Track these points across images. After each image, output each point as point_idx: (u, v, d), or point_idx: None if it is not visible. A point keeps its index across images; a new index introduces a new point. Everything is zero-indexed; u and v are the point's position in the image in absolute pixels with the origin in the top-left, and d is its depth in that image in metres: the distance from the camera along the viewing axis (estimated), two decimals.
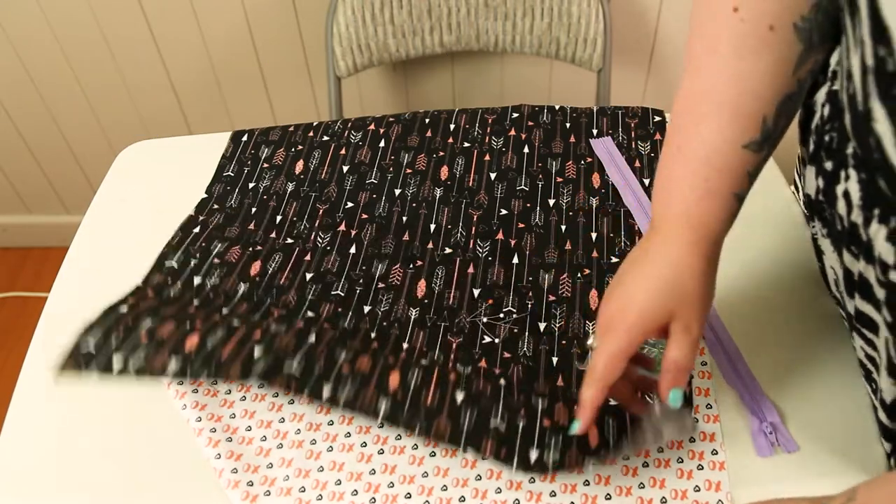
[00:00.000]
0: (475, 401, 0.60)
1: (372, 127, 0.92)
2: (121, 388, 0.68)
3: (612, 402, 0.63)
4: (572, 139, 0.88)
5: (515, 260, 0.76)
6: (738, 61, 0.52)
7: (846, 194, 0.52)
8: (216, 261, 0.76)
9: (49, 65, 1.46)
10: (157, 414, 0.66)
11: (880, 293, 0.50)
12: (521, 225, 0.79)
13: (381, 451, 0.63)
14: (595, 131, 0.89)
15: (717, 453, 0.61)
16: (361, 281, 0.74)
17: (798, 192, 0.76)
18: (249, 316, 0.68)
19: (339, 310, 0.71)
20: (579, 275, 0.74)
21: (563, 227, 0.78)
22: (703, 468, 0.60)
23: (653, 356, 0.65)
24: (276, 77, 1.49)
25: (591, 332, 0.56)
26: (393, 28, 1.24)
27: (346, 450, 0.63)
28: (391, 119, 0.93)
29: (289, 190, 0.85)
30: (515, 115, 0.92)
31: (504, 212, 0.80)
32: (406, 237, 0.79)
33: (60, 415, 0.68)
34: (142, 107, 1.54)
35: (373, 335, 0.68)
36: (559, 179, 0.84)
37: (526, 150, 0.87)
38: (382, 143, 0.90)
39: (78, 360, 0.62)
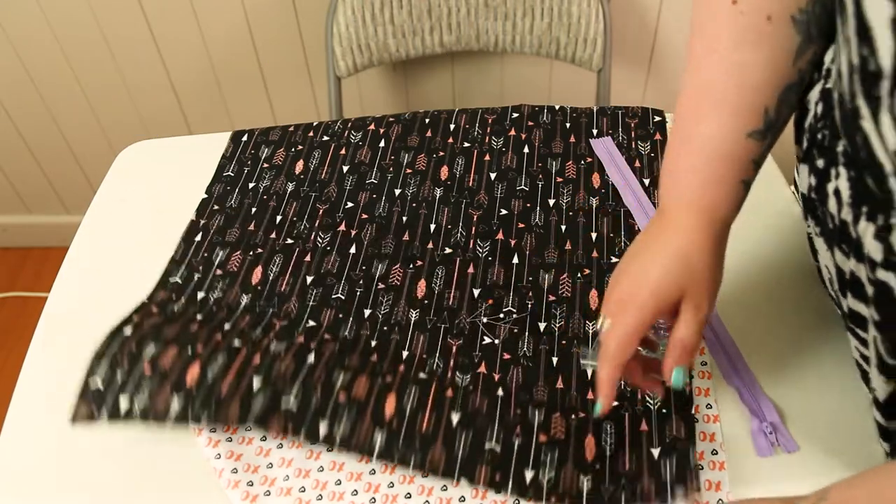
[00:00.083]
0: (471, 421, 0.61)
1: (372, 127, 0.92)
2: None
3: (613, 403, 0.63)
4: (572, 139, 0.88)
5: (515, 260, 0.76)
6: (737, 54, 0.53)
7: (837, 192, 0.52)
8: (218, 272, 0.76)
9: (49, 65, 1.46)
10: None
11: (870, 291, 0.50)
12: (521, 225, 0.79)
13: None
14: (595, 131, 0.89)
15: (717, 453, 0.61)
16: (361, 282, 0.74)
17: (797, 191, 0.76)
18: (251, 331, 0.68)
19: (340, 315, 0.71)
20: (579, 275, 0.74)
21: (563, 227, 0.78)
22: (703, 468, 0.60)
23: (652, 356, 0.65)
24: (276, 77, 1.49)
25: (598, 320, 0.56)
26: (393, 28, 1.24)
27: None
28: (391, 119, 0.93)
29: (289, 190, 0.85)
30: (515, 115, 0.92)
31: (504, 212, 0.80)
32: (406, 237, 0.79)
33: (60, 414, 0.68)
34: (142, 107, 1.54)
35: (373, 343, 0.68)
36: (559, 179, 0.84)
37: (526, 150, 0.87)
38: (382, 143, 0.90)
39: (88, 399, 0.63)
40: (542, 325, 0.70)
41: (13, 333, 1.71)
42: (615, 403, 0.63)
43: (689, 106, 0.57)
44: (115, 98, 1.52)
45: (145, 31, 1.40)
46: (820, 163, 0.54)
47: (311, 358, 0.65)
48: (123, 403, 0.62)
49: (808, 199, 0.58)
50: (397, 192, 0.84)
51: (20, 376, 0.71)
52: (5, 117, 1.57)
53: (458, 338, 0.69)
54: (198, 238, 0.80)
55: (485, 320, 0.70)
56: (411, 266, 0.76)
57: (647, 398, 0.64)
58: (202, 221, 0.82)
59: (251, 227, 0.81)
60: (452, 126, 0.91)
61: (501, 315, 0.71)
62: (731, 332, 0.69)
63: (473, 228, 0.79)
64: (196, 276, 0.76)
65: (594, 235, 0.78)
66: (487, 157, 0.87)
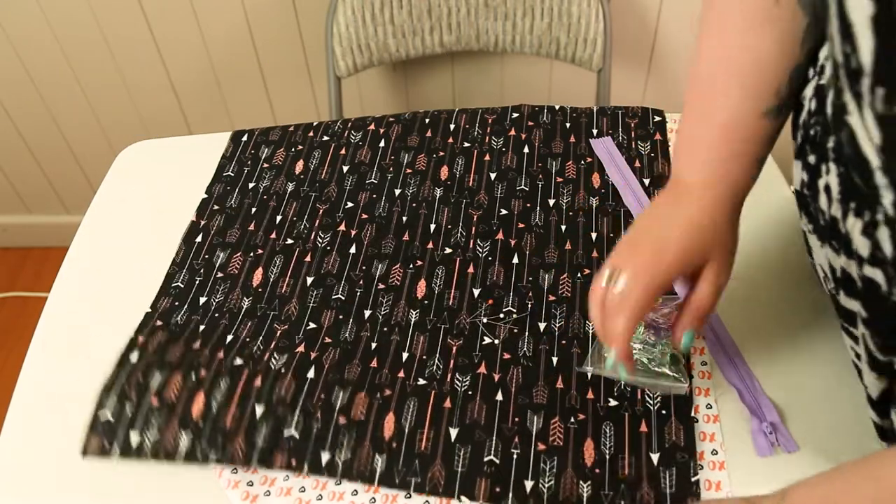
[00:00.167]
0: (469, 434, 0.62)
1: (372, 127, 0.92)
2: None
3: (613, 403, 0.63)
4: (572, 139, 0.88)
5: (515, 260, 0.76)
6: (749, 34, 0.55)
7: (827, 188, 0.52)
8: (219, 275, 0.76)
9: (49, 65, 1.46)
10: None
11: (859, 287, 0.51)
12: (521, 225, 0.79)
13: None
14: (595, 131, 0.89)
15: (717, 453, 0.61)
16: (361, 282, 0.74)
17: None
18: (253, 343, 0.69)
19: (340, 317, 0.71)
20: (579, 275, 0.74)
21: (563, 227, 0.78)
22: (703, 468, 0.60)
23: (652, 355, 0.65)
24: (276, 77, 1.49)
25: (615, 278, 0.56)
26: (393, 28, 1.24)
27: None
28: (391, 119, 0.93)
29: (289, 190, 0.85)
30: (515, 115, 0.92)
31: (504, 212, 0.80)
32: (406, 237, 0.79)
33: (60, 414, 0.68)
34: (142, 107, 1.54)
35: (373, 345, 0.68)
36: (559, 179, 0.84)
37: (526, 150, 0.87)
38: (382, 143, 0.90)
39: (99, 432, 0.64)
40: (542, 325, 0.70)
41: (13, 333, 1.71)
42: (614, 403, 0.63)
43: (705, 82, 0.58)
44: (115, 98, 1.52)
45: (145, 31, 1.40)
46: (812, 159, 0.55)
47: (312, 373, 0.66)
48: (134, 439, 0.63)
49: (801, 196, 0.58)
50: (397, 192, 0.84)
51: (20, 376, 0.71)
52: (5, 117, 1.57)
53: (458, 338, 0.69)
54: (198, 239, 0.80)
55: (485, 320, 0.70)
56: (411, 266, 0.76)
57: (647, 398, 0.64)
58: (202, 222, 0.82)
59: (251, 228, 0.81)
60: (452, 126, 0.91)
61: (501, 315, 0.71)
62: (731, 332, 0.69)
63: (473, 228, 0.79)
64: (197, 279, 0.76)
65: (594, 235, 0.77)
66: (487, 157, 0.87)
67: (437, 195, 0.83)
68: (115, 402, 0.65)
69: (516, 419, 0.63)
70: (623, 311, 0.55)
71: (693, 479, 0.58)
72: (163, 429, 0.63)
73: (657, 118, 0.90)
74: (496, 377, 0.66)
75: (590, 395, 0.64)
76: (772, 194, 0.80)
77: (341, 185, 0.85)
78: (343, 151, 0.89)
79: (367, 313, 0.72)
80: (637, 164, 0.85)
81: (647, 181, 0.83)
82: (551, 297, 0.72)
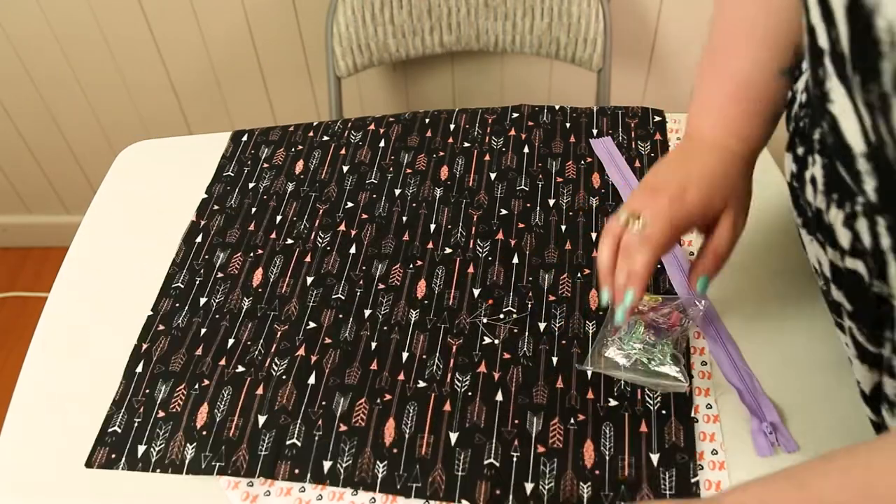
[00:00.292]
0: (469, 437, 0.62)
1: (372, 127, 0.92)
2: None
3: (613, 403, 0.63)
4: (572, 139, 0.88)
5: (515, 260, 0.76)
6: None
7: (813, 180, 0.53)
8: (219, 275, 0.76)
9: (49, 65, 1.46)
10: None
11: (843, 279, 0.51)
12: (521, 225, 0.79)
13: None
14: (595, 131, 0.89)
15: (717, 453, 0.61)
16: (361, 282, 0.74)
17: None
18: (254, 346, 0.69)
19: (340, 316, 0.71)
20: (579, 275, 0.74)
21: (563, 227, 0.78)
22: (703, 468, 0.60)
23: (652, 355, 0.65)
24: (276, 77, 1.49)
25: (634, 217, 0.57)
26: (393, 28, 1.24)
27: None
28: (391, 119, 0.93)
29: (289, 190, 0.85)
30: (515, 115, 0.92)
31: (504, 212, 0.80)
32: (406, 237, 0.79)
33: (60, 414, 0.68)
34: (142, 107, 1.54)
35: (373, 345, 0.68)
36: (559, 179, 0.84)
37: (526, 150, 0.87)
38: (382, 143, 0.90)
39: (106, 445, 0.64)
40: (542, 325, 0.70)
41: (13, 333, 1.71)
42: (614, 404, 0.63)
43: (724, 40, 0.60)
44: (115, 98, 1.52)
45: (145, 31, 1.40)
46: (800, 150, 0.56)
47: (313, 378, 0.66)
48: (141, 452, 0.63)
49: (792, 188, 0.58)
50: (397, 192, 0.84)
51: (20, 376, 0.71)
52: (5, 117, 1.57)
53: (458, 338, 0.69)
54: (198, 240, 0.80)
55: (485, 320, 0.70)
56: (411, 266, 0.76)
57: (647, 398, 0.64)
58: (202, 222, 0.82)
59: (251, 228, 0.81)
60: (452, 126, 0.91)
61: (501, 315, 0.71)
62: (731, 332, 0.69)
63: (473, 228, 0.79)
64: (197, 279, 0.76)
65: (594, 235, 0.77)
66: (487, 157, 0.87)
67: (437, 195, 0.83)
68: (124, 416, 0.66)
69: (516, 421, 0.63)
70: (644, 248, 0.56)
71: (693, 480, 0.58)
72: (169, 441, 0.63)
73: (657, 118, 0.90)
74: (496, 377, 0.66)
75: (590, 395, 0.64)
76: (772, 191, 0.80)
77: (341, 185, 0.85)
78: (343, 151, 0.89)
79: (367, 313, 0.72)
80: (637, 164, 0.84)
81: None
82: (551, 297, 0.72)
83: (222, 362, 0.68)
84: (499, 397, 0.64)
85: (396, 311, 0.72)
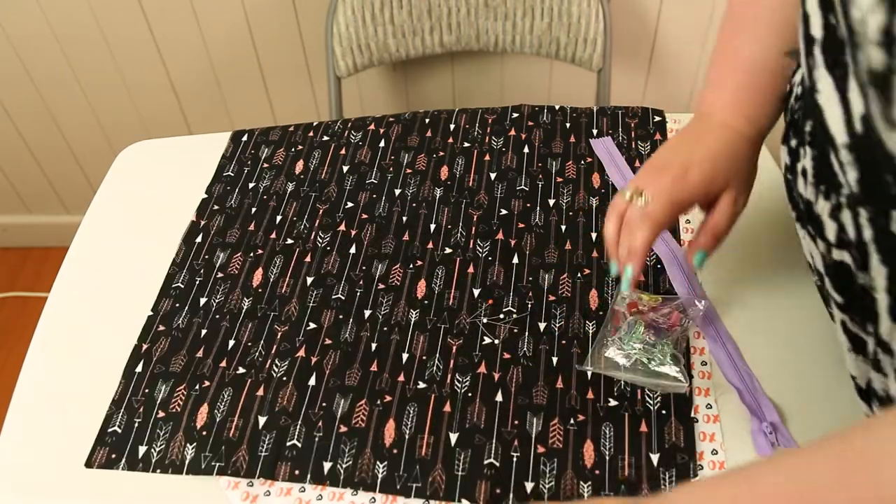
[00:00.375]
0: (469, 438, 0.62)
1: (372, 127, 0.92)
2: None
3: (613, 403, 0.63)
4: (572, 139, 0.88)
5: (515, 260, 0.76)
6: None
7: (804, 171, 0.53)
8: (219, 275, 0.76)
9: (49, 65, 1.46)
10: None
11: (832, 272, 0.51)
12: (521, 225, 0.79)
13: None
14: (595, 131, 0.89)
15: (717, 453, 0.61)
16: (361, 282, 0.74)
17: None
18: (254, 347, 0.69)
19: (340, 317, 0.71)
20: (579, 275, 0.74)
21: (563, 227, 0.78)
22: (703, 468, 0.60)
23: (652, 355, 0.65)
24: (276, 77, 1.49)
25: (638, 194, 0.60)
26: (393, 28, 1.24)
27: None
28: (391, 119, 0.93)
29: (289, 190, 0.85)
30: (515, 115, 0.92)
31: (504, 212, 0.80)
32: (406, 237, 0.79)
33: (60, 414, 0.68)
34: (142, 107, 1.54)
35: (374, 345, 0.68)
36: (559, 179, 0.84)
37: (526, 150, 0.87)
38: (382, 143, 0.90)
39: (106, 445, 0.64)
40: (542, 325, 0.70)
41: (13, 333, 1.71)
42: (614, 404, 0.63)
43: (735, 24, 0.62)
44: (115, 98, 1.52)
45: (145, 31, 1.40)
46: (793, 142, 0.56)
47: (313, 380, 0.66)
48: (141, 452, 0.63)
49: (786, 181, 0.59)
50: (397, 192, 0.84)
51: (20, 376, 0.71)
52: (5, 117, 1.57)
53: (458, 338, 0.69)
54: (198, 240, 0.80)
55: (485, 320, 0.70)
56: (411, 266, 0.76)
57: (647, 398, 0.64)
58: (202, 222, 0.82)
59: (251, 228, 0.81)
60: (452, 126, 0.91)
61: (501, 315, 0.71)
62: (731, 332, 0.69)
63: (473, 228, 0.79)
64: (197, 280, 0.76)
65: (594, 235, 0.77)
66: (487, 157, 0.87)
67: (437, 195, 0.83)
68: (124, 415, 0.66)
69: (516, 422, 0.63)
70: (644, 225, 0.59)
71: (693, 480, 0.58)
72: (169, 441, 0.63)
73: (657, 118, 0.90)
74: (496, 377, 0.66)
75: (590, 395, 0.64)
76: (773, 193, 0.80)
77: (341, 185, 0.85)
78: (343, 151, 0.89)
79: (367, 313, 0.72)
80: (637, 164, 0.84)
81: None
82: (551, 297, 0.72)
83: (223, 363, 0.68)
84: (499, 398, 0.64)
85: (396, 312, 0.72)
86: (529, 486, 0.59)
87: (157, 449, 0.63)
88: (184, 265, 0.78)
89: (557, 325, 0.70)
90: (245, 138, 0.92)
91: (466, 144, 0.89)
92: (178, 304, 0.74)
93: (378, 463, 0.61)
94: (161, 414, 0.65)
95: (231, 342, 0.70)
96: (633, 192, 0.60)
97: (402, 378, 0.66)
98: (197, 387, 0.67)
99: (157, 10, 1.37)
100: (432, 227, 0.79)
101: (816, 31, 0.44)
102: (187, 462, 0.62)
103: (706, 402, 0.64)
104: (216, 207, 0.84)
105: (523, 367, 0.66)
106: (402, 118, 0.93)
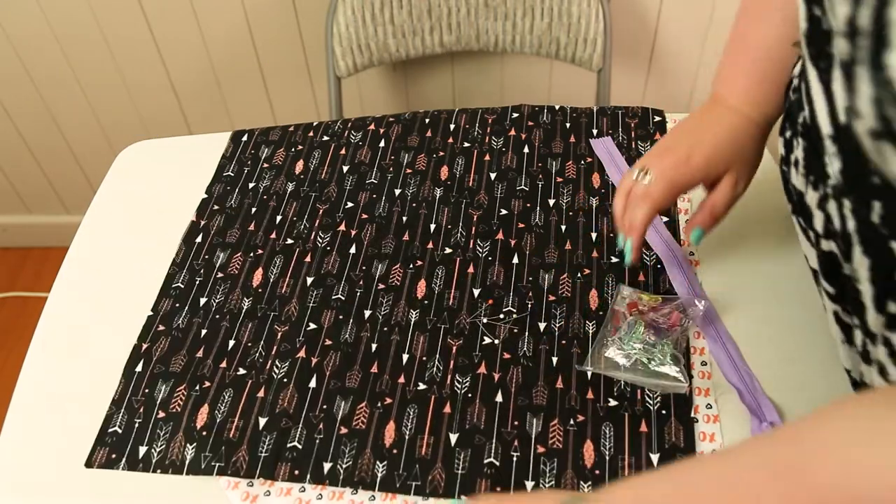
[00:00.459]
0: (469, 438, 0.62)
1: (372, 127, 0.92)
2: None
3: (612, 403, 0.63)
4: (572, 139, 0.88)
5: (515, 260, 0.76)
6: None
7: (796, 162, 0.54)
8: (219, 275, 0.76)
9: (49, 65, 1.46)
10: None
11: (821, 263, 0.52)
12: (521, 225, 0.79)
13: None
14: (595, 131, 0.89)
15: None
16: (361, 282, 0.74)
17: None
18: (255, 348, 0.69)
19: (340, 317, 0.71)
20: (579, 275, 0.74)
21: (563, 227, 0.78)
22: None
23: (652, 355, 0.65)
24: (276, 77, 1.49)
25: (643, 173, 0.63)
26: (393, 28, 1.24)
27: None
28: (391, 119, 0.93)
29: (289, 190, 0.85)
30: (515, 115, 0.92)
31: (504, 212, 0.80)
32: (406, 237, 0.79)
33: (60, 414, 0.68)
34: (142, 107, 1.54)
35: (374, 346, 0.69)
36: (559, 179, 0.84)
37: (526, 150, 0.87)
38: (382, 143, 0.90)
39: (106, 445, 0.64)
40: (542, 325, 0.70)
41: (13, 333, 1.71)
42: (614, 404, 0.63)
43: (747, 14, 0.64)
44: (115, 98, 1.52)
45: (145, 31, 1.40)
46: (788, 133, 0.57)
47: (314, 382, 0.66)
48: (141, 452, 0.63)
49: (782, 172, 0.60)
50: (397, 192, 0.84)
51: (20, 376, 0.71)
52: (5, 117, 1.57)
53: (458, 338, 0.69)
54: (198, 240, 0.80)
55: (485, 320, 0.70)
56: (411, 266, 0.76)
57: (647, 398, 0.64)
58: (202, 222, 0.82)
59: (251, 228, 0.81)
60: (452, 126, 0.91)
61: (501, 315, 0.71)
62: (731, 332, 0.69)
63: (473, 228, 0.79)
64: (197, 280, 0.76)
65: (594, 235, 0.77)
66: (487, 157, 0.87)
67: (437, 195, 0.83)
68: (124, 415, 0.66)
69: (516, 422, 0.63)
70: (644, 203, 0.63)
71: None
72: (169, 442, 0.63)
73: (657, 118, 0.90)
74: (496, 377, 0.66)
75: (590, 395, 0.64)
76: (774, 192, 0.80)
77: (341, 185, 0.85)
78: (343, 151, 0.89)
79: (367, 313, 0.72)
80: None
81: None
82: (551, 297, 0.72)
83: (223, 364, 0.68)
84: (498, 398, 0.64)
85: (396, 312, 0.72)
86: (530, 484, 0.59)
87: (158, 449, 0.63)
88: (184, 265, 0.78)
89: (557, 325, 0.70)
90: (245, 138, 0.92)
91: (466, 144, 0.89)
92: (178, 304, 0.74)
93: (378, 463, 0.61)
94: (161, 414, 0.65)
95: (231, 342, 0.70)
96: (640, 170, 0.63)
97: (402, 379, 0.66)
98: (197, 387, 0.67)
99: (157, 10, 1.37)
100: (432, 227, 0.79)
101: (802, 22, 0.45)
102: (187, 462, 0.62)
103: (706, 402, 0.64)
104: (216, 207, 0.84)
105: (523, 367, 0.66)
106: (402, 118, 0.93)
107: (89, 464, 0.63)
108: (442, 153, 0.88)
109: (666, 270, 0.73)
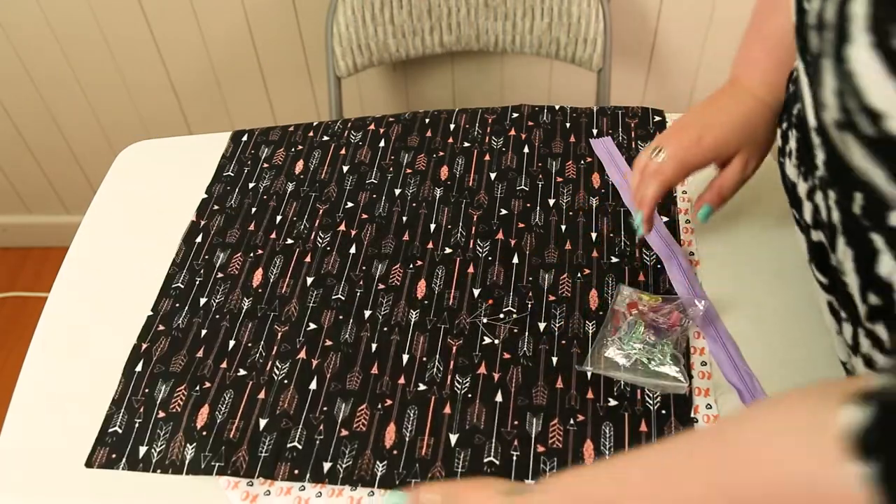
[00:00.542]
0: (469, 438, 0.62)
1: (372, 127, 0.92)
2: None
3: (612, 403, 0.63)
4: (572, 139, 0.88)
5: (515, 260, 0.76)
6: None
7: (790, 153, 0.54)
8: (219, 275, 0.76)
9: (49, 65, 1.46)
10: None
11: (812, 254, 0.52)
12: (521, 225, 0.79)
13: None
14: (595, 131, 0.89)
15: None
16: (361, 282, 0.74)
17: None
18: (255, 348, 0.69)
19: (340, 317, 0.71)
20: (579, 275, 0.74)
21: (563, 227, 0.78)
22: None
23: (652, 355, 0.65)
24: (276, 77, 1.49)
25: (657, 151, 0.66)
26: (393, 28, 1.24)
27: None
28: (391, 119, 0.93)
29: (289, 190, 0.85)
30: (515, 115, 0.92)
31: (504, 212, 0.80)
32: (406, 237, 0.79)
33: (60, 414, 0.68)
34: (142, 107, 1.54)
35: (374, 346, 0.69)
36: (559, 179, 0.84)
37: (526, 150, 0.87)
38: (382, 143, 0.90)
39: (106, 445, 0.64)
40: (541, 325, 0.70)
41: (13, 333, 1.71)
42: (614, 404, 0.63)
43: (764, 2, 0.66)
44: (115, 98, 1.52)
45: (145, 31, 1.40)
46: (784, 125, 0.57)
47: (314, 384, 0.66)
48: (141, 452, 0.63)
49: (780, 164, 0.60)
50: (397, 192, 0.84)
51: (20, 376, 0.71)
52: (5, 117, 1.57)
53: (458, 338, 0.69)
54: (198, 240, 0.80)
55: (485, 320, 0.70)
56: (411, 266, 0.76)
57: (647, 398, 0.64)
58: (202, 222, 0.82)
59: (251, 228, 0.81)
60: (452, 126, 0.91)
61: (501, 315, 0.71)
62: (731, 332, 0.69)
63: (473, 228, 0.79)
64: (197, 280, 0.76)
65: (594, 235, 0.77)
66: (487, 157, 0.87)
67: (437, 195, 0.83)
68: (124, 415, 0.66)
69: (515, 422, 0.63)
70: (656, 179, 0.65)
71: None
72: (169, 441, 0.63)
73: (657, 118, 0.90)
74: (496, 377, 0.66)
75: (589, 395, 0.64)
76: (774, 192, 0.80)
77: (341, 185, 0.85)
78: (343, 151, 0.89)
79: (367, 313, 0.72)
80: None
81: None
82: (551, 297, 0.72)
83: (223, 364, 0.68)
84: (498, 398, 0.64)
85: (396, 312, 0.72)
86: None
87: (158, 449, 0.63)
88: (184, 265, 0.78)
89: (557, 325, 0.70)
90: (245, 138, 0.92)
91: (466, 144, 0.89)
92: (178, 304, 0.74)
93: (378, 463, 0.61)
94: (161, 414, 0.65)
95: (231, 342, 0.70)
96: (655, 147, 0.66)
97: (402, 380, 0.66)
98: (197, 387, 0.67)
99: (157, 10, 1.37)
100: (432, 227, 0.79)
101: (793, 15, 0.45)
102: (187, 462, 0.62)
103: (706, 402, 0.64)
104: (216, 207, 0.84)
105: (523, 367, 0.66)
106: (402, 118, 0.93)
107: (89, 464, 0.63)
108: (442, 153, 0.88)
109: (666, 270, 0.73)
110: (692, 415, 0.63)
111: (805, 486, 0.34)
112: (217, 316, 0.73)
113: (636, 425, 0.62)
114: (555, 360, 0.67)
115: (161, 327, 0.72)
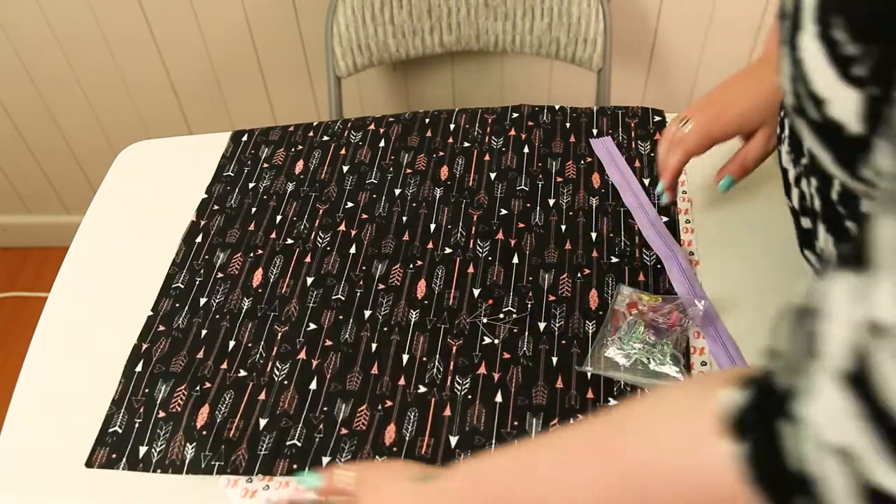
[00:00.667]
0: (469, 439, 0.62)
1: (372, 127, 0.92)
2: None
3: (613, 403, 0.63)
4: (572, 139, 0.88)
5: (515, 260, 0.75)
6: None
7: (783, 140, 0.56)
8: (219, 275, 0.76)
9: (49, 65, 1.46)
10: None
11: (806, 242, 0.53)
12: (521, 225, 0.79)
13: None
14: (595, 131, 0.89)
15: None
16: (361, 282, 0.74)
17: None
18: (255, 348, 0.69)
19: (340, 317, 0.71)
20: (579, 275, 0.74)
21: (563, 227, 0.78)
22: None
23: (652, 355, 0.65)
24: (276, 77, 1.49)
25: (684, 122, 0.69)
26: (393, 28, 1.24)
27: None
28: (391, 119, 0.93)
29: (289, 190, 0.85)
30: (515, 115, 0.92)
31: (504, 212, 0.80)
32: (406, 237, 0.79)
33: (60, 414, 0.68)
34: (142, 107, 1.54)
35: (374, 346, 0.68)
36: (559, 179, 0.84)
37: (526, 150, 0.87)
38: (382, 143, 0.90)
39: (106, 445, 0.64)
40: (541, 325, 0.70)
41: (13, 333, 1.71)
42: (614, 404, 0.63)
43: None
44: (115, 98, 1.52)
45: (145, 31, 1.40)
46: (782, 112, 0.59)
47: (314, 384, 0.66)
48: (141, 452, 0.63)
49: (778, 152, 0.61)
50: (397, 192, 0.84)
51: (20, 376, 0.71)
52: (5, 117, 1.57)
53: (458, 338, 0.69)
54: (198, 240, 0.80)
55: (485, 320, 0.70)
56: (411, 266, 0.76)
57: None
58: (202, 222, 0.82)
59: (251, 228, 0.81)
60: (452, 126, 0.91)
61: (501, 315, 0.71)
62: (731, 332, 0.69)
63: (473, 228, 0.79)
64: (197, 280, 0.76)
65: (594, 235, 0.77)
66: (487, 157, 0.87)
67: (437, 195, 0.83)
68: (124, 415, 0.66)
69: (515, 422, 0.63)
70: (679, 148, 0.69)
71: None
72: (169, 441, 0.63)
73: (657, 118, 0.90)
74: (496, 377, 0.66)
75: (589, 395, 0.64)
76: (774, 192, 0.80)
77: (341, 185, 0.85)
78: (343, 151, 0.89)
79: (368, 313, 0.72)
80: (637, 163, 0.84)
81: (647, 181, 0.83)
82: (551, 297, 0.72)
83: (223, 365, 0.68)
84: (498, 398, 0.64)
85: (396, 312, 0.72)
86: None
87: (158, 449, 0.63)
88: (184, 265, 0.78)
89: (557, 325, 0.70)
90: (245, 138, 0.92)
91: (466, 144, 0.89)
92: (178, 304, 0.74)
93: (377, 458, 0.61)
94: (161, 414, 0.65)
95: (231, 343, 0.70)
96: (683, 118, 0.70)
97: (402, 381, 0.66)
98: (197, 388, 0.67)
99: (157, 10, 1.37)
100: (432, 227, 0.79)
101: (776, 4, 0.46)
102: (187, 462, 0.62)
103: None
104: (216, 207, 0.84)
105: (523, 367, 0.66)
106: (402, 118, 0.93)
107: (89, 464, 0.63)
108: (442, 153, 0.88)
109: (666, 270, 0.73)
110: None
111: (683, 465, 0.35)
112: (217, 316, 0.73)
113: None
114: (555, 360, 0.67)
115: (161, 327, 0.72)
